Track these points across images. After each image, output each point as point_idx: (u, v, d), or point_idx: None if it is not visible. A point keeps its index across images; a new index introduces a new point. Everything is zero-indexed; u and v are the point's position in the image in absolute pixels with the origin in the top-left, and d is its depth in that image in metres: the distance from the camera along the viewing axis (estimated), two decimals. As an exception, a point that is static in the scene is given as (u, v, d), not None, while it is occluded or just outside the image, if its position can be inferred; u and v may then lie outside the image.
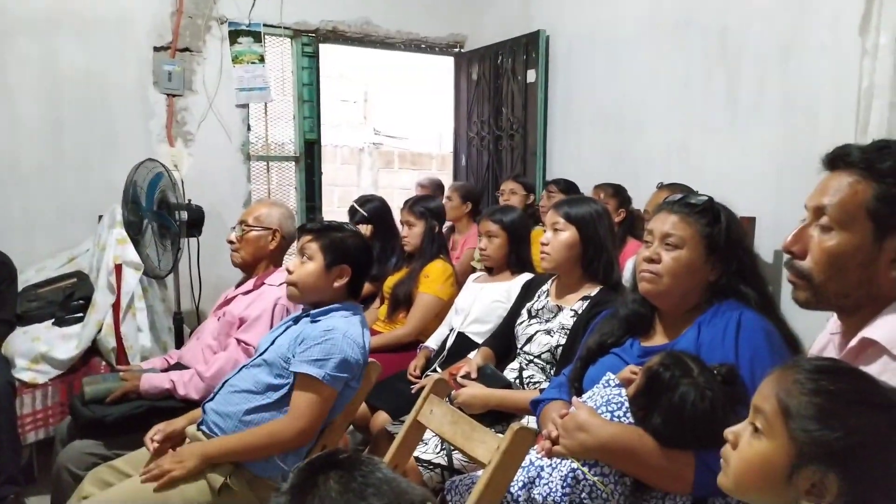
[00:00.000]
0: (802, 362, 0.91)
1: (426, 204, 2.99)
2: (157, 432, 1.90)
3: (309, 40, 4.22)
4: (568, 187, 3.37)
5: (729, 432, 0.93)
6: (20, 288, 2.95)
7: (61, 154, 3.54)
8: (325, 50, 4.41)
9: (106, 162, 3.60)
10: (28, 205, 3.46)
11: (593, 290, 2.02)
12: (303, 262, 1.88)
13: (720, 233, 1.40)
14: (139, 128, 3.74)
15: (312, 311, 1.89)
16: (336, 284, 1.88)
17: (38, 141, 3.49)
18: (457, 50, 4.77)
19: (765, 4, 2.78)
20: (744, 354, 1.30)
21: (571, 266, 2.05)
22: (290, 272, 1.90)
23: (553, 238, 2.04)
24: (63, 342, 2.72)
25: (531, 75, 4.11)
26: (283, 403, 1.81)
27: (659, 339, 1.48)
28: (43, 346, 2.68)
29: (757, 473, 0.87)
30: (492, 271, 2.60)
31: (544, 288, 2.17)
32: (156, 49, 3.74)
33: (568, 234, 2.03)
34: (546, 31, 4.03)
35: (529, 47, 4.10)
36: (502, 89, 4.39)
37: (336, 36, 4.34)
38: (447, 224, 3.81)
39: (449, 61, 4.86)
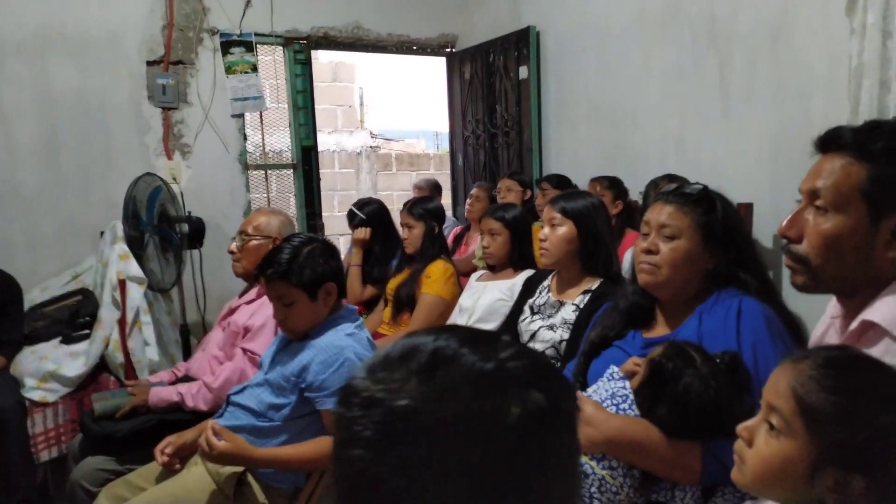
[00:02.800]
0: (814, 354, 0.88)
1: (425, 205, 3.00)
2: (167, 445, 1.91)
3: (301, 47, 4.23)
4: (561, 182, 3.38)
5: (742, 428, 0.91)
6: (26, 308, 2.98)
7: (60, 173, 3.56)
8: (318, 56, 4.42)
9: (104, 178, 3.62)
10: (29, 225, 3.48)
11: (594, 284, 2.02)
12: (287, 306, 1.78)
13: (716, 220, 1.41)
14: (136, 143, 3.75)
15: (312, 331, 1.83)
16: (327, 304, 1.83)
17: (36, 161, 3.50)
18: (448, 50, 4.78)
19: (753, -10, 2.79)
20: (745, 341, 1.31)
21: (570, 260, 2.05)
22: (280, 320, 1.83)
23: (551, 233, 2.05)
24: (71, 360, 2.74)
25: (523, 72, 4.11)
26: (290, 423, 1.79)
27: (660, 330, 1.49)
28: (51, 365, 2.69)
29: (776, 473, 0.85)
30: (494, 269, 2.61)
31: (545, 283, 2.18)
32: (148, 63, 3.75)
33: (565, 228, 2.04)
34: (536, 28, 4.03)
35: (520, 44, 4.11)
36: (495, 87, 4.40)
37: (328, 41, 4.35)
38: (448, 223, 3.82)
39: (442, 62, 4.87)
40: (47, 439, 2.63)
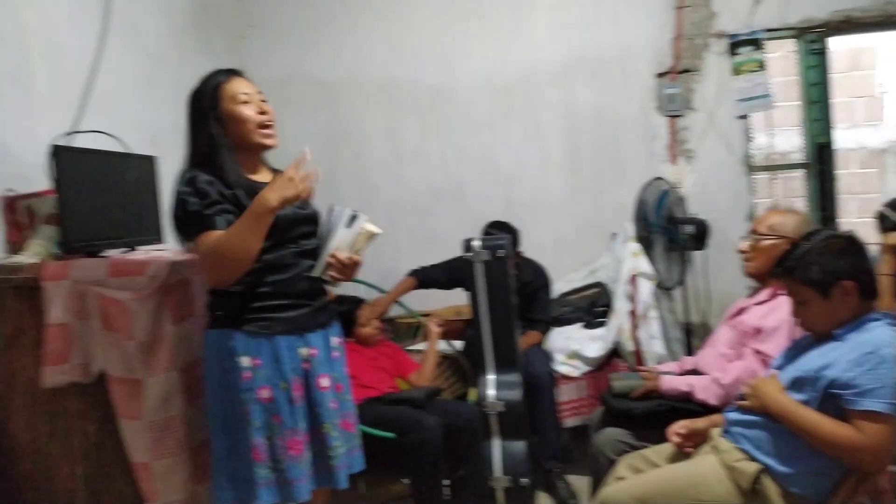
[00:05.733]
0: None
1: None
2: (681, 427, 2.01)
3: (815, 37, 3.88)
4: None
5: None
6: (553, 296, 3.51)
7: (579, 181, 4.08)
8: (832, 44, 3.97)
9: (616, 185, 3.99)
10: (556, 226, 4.08)
11: None
12: (799, 305, 1.80)
13: None
14: (643, 151, 4.02)
15: (836, 332, 1.73)
16: (847, 304, 1.72)
17: (562, 171, 4.09)
18: None
19: None
20: None
21: None
22: (795, 317, 1.85)
23: None
24: (591, 343, 3.13)
25: None
26: None
27: None
28: (575, 345, 3.12)
29: None
30: None
31: None
32: (658, 76, 3.99)
33: None
34: None
35: None
36: None
37: (849, 26, 3.87)
38: None
39: None
40: (571, 409, 3.06)
